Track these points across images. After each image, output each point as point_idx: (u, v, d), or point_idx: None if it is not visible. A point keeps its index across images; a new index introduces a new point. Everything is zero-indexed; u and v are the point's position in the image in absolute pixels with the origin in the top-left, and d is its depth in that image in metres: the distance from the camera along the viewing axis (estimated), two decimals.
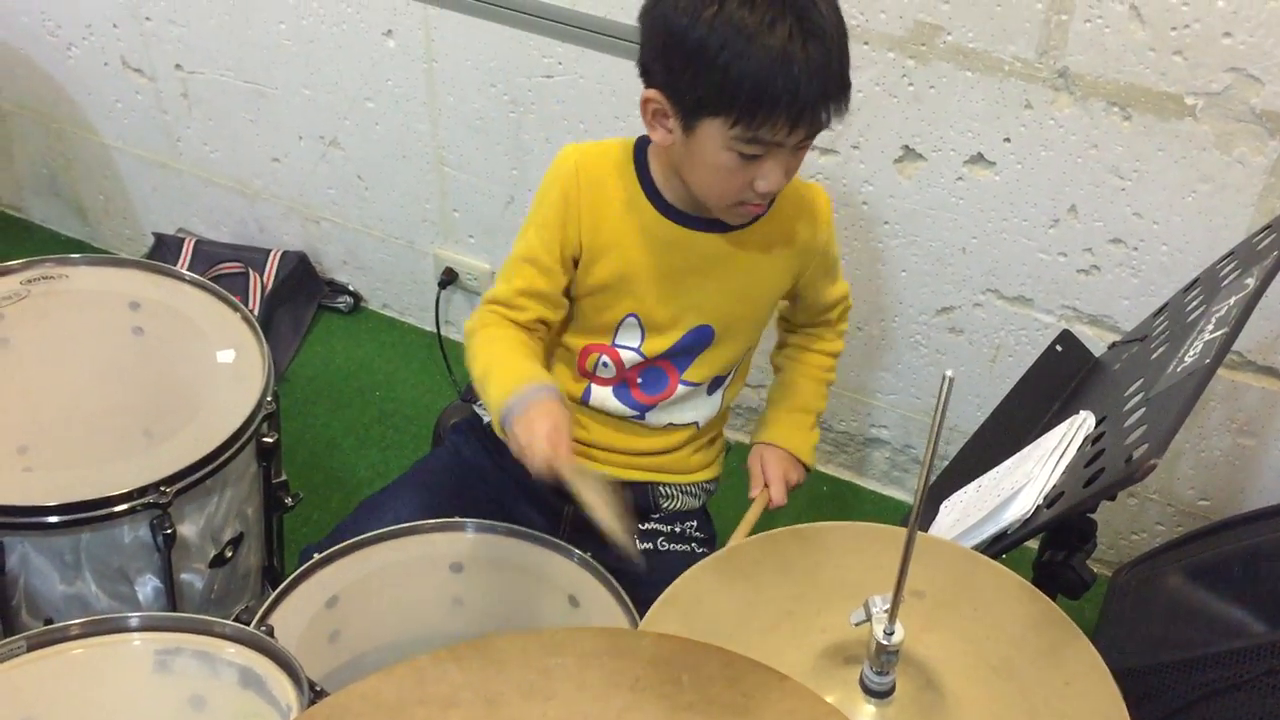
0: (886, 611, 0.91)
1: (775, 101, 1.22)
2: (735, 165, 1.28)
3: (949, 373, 0.76)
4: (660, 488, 1.56)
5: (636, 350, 1.47)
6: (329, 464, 2.19)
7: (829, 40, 1.24)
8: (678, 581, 1.10)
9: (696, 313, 1.45)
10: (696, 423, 1.54)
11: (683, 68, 1.25)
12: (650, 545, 1.55)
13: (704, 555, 1.52)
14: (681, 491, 1.58)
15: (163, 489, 1.36)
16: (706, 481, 1.61)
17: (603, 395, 1.51)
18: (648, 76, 1.32)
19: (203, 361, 1.56)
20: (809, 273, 1.51)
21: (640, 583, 1.40)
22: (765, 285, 1.48)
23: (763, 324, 1.54)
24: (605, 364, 1.48)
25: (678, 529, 1.57)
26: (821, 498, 2.21)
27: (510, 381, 1.33)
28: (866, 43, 1.75)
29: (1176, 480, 1.92)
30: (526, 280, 1.43)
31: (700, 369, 1.49)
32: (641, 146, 1.43)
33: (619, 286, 1.43)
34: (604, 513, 1.19)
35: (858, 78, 1.75)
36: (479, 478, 1.55)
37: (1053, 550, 1.25)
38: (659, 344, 1.46)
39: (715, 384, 1.53)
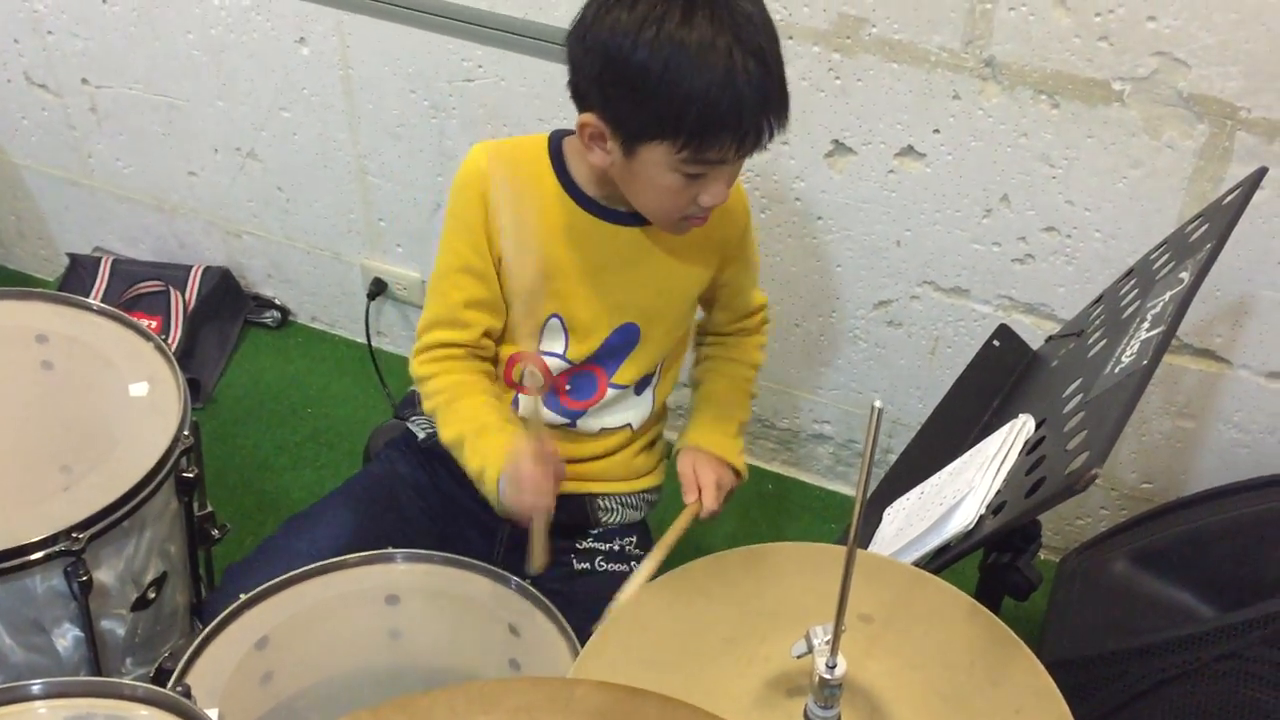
0: (828, 643, 0.88)
1: (722, 124, 1.20)
2: (680, 184, 1.26)
3: (877, 403, 0.73)
4: (599, 500, 1.52)
5: (561, 357, 1.43)
6: (262, 486, 2.12)
7: (768, 56, 1.22)
8: (617, 610, 1.07)
9: (620, 311, 1.42)
10: (630, 424, 1.51)
11: (624, 94, 1.22)
12: (588, 565, 1.50)
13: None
14: (621, 504, 1.54)
15: (75, 535, 1.30)
16: (648, 491, 1.57)
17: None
18: (582, 100, 1.28)
19: (115, 396, 1.49)
20: (729, 269, 1.49)
21: (580, 604, 1.36)
22: (684, 280, 1.46)
23: (684, 322, 1.51)
24: (532, 374, 1.44)
25: (616, 546, 1.52)
26: (766, 495, 2.18)
27: (497, 453, 1.32)
28: (791, 37, 1.71)
29: (1119, 464, 1.92)
30: (466, 291, 1.39)
31: (628, 370, 1.46)
32: (557, 140, 1.40)
33: (542, 286, 1.39)
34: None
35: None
36: (415, 494, 1.51)
37: (998, 553, 1.23)
38: (585, 347, 1.43)
39: (643, 384, 1.50)
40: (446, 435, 1.40)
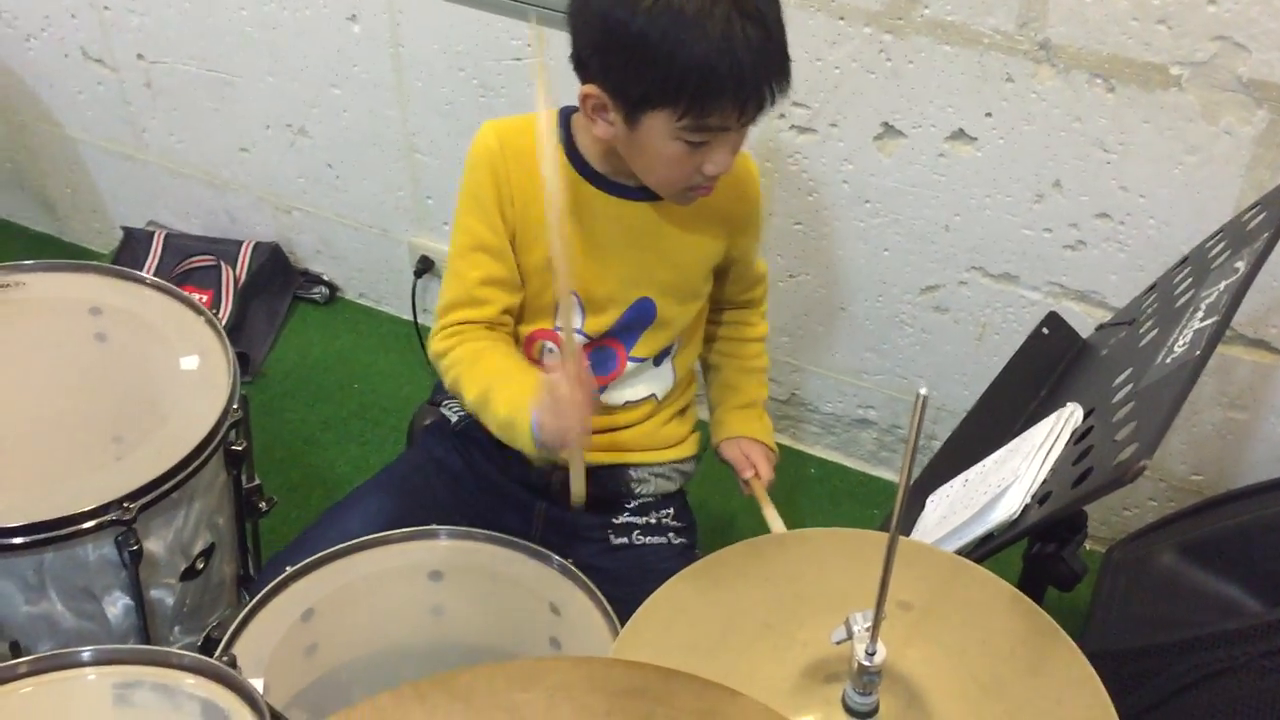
0: (868, 630, 0.88)
1: (722, 89, 1.19)
2: (683, 153, 1.26)
3: (922, 390, 0.72)
4: (630, 471, 1.52)
5: (578, 331, 1.43)
6: (308, 460, 2.15)
7: (768, 19, 1.20)
8: (657, 592, 1.07)
9: (634, 286, 1.42)
10: (654, 395, 1.51)
11: (624, 62, 1.21)
12: (625, 540, 1.51)
13: (682, 545, 1.53)
14: (654, 474, 1.54)
15: (126, 505, 1.32)
16: (680, 461, 1.56)
17: None
18: (583, 71, 1.27)
19: (166, 369, 1.51)
20: (742, 242, 1.50)
21: (620, 579, 1.37)
22: (698, 254, 1.45)
23: (701, 295, 1.50)
24: (551, 350, 1.45)
25: (653, 519, 1.53)
26: (809, 480, 2.18)
27: (520, 397, 1.30)
28: (842, 18, 1.69)
29: (1168, 455, 1.89)
30: (483, 269, 1.38)
31: (646, 344, 1.46)
32: (565, 117, 1.39)
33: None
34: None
35: (834, 53, 1.73)
36: (450, 479, 1.52)
37: (1043, 542, 1.22)
38: (601, 322, 1.43)
39: (662, 356, 1.50)
40: (470, 396, 1.37)
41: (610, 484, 1.51)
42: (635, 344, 1.46)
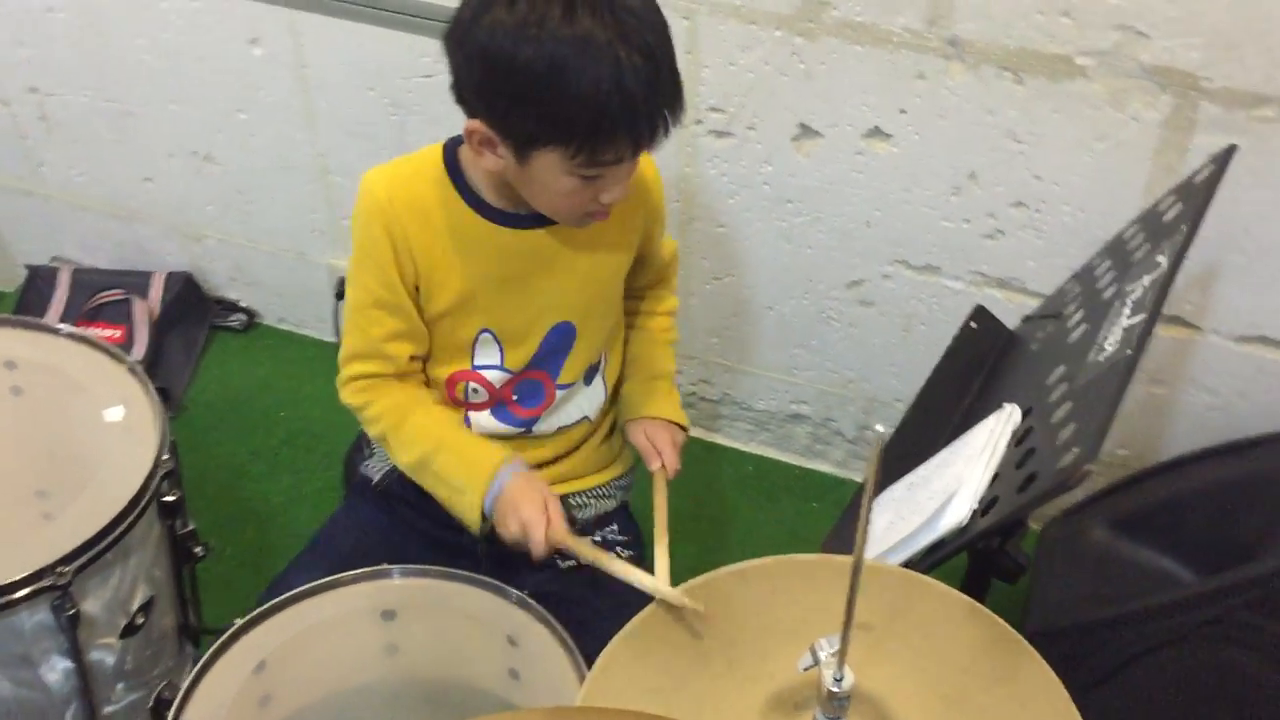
0: (834, 655, 0.88)
1: (615, 125, 1.16)
2: (578, 187, 1.23)
3: (879, 427, 0.73)
4: (570, 499, 1.50)
5: (499, 368, 1.41)
6: (240, 494, 2.11)
7: (656, 51, 1.16)
8: (618, 637, 1.06)
9: (551, 312, 1.39)
10: (587, 416, 1.49)
11: (509, 100, 1.17)
12: (574, 561, 1.49)
13: (630, 557, 1.49)
14: (593, 497, 1.53)
15: (60, 570, 1.28)
16: (619, 477, 1.56)
17: (482, 419, 1.45)
18: (468, 106, 1.22)
19: (89, 421, 1.47)
20: (650, 242, 1.48)
21: (576, 600, 1.36)
22: (609, 267, 1.42)
23: (617, 305, 1.49)
24: (475, 390, 1.43)
25: (597, 538, 1.51)
26: (746, 477, 2.19)
27: (471, 471, 1.33)
28: (754, 22, 1.70)
29: None
30: (384, 326, 1.35)
31: (572, 367, 1.44)
32: (451, 151, 1.34)
33: (465, 305, 1.36)
34: (618, 566, 1.26)
35: (747, 58, 1.73)
36: (380, 537, 1.49)
37: (986, 538, 1.24)
38: (520, 355, 1.40)
39: (591, 373, 1.48)
40: (405, 459, 1.37)
41: None
42: (560, 370, 1.43)
